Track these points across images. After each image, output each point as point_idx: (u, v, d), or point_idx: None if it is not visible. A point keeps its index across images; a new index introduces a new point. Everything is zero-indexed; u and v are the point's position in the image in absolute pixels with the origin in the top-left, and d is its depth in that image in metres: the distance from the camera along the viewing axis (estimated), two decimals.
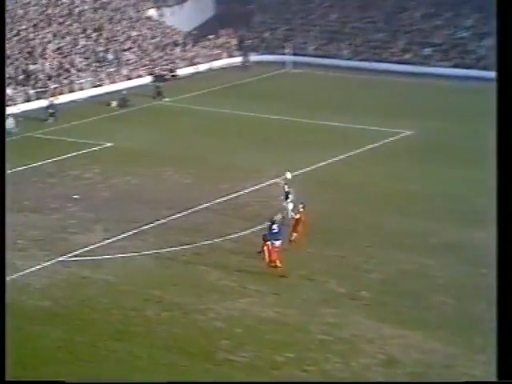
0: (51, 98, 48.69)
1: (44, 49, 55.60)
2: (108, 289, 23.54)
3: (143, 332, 20.88)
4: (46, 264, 25.25)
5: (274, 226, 25.28)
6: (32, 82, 51.49)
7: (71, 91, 52.73)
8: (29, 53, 54.39)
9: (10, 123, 43.77)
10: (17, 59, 53.08)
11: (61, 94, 51.41)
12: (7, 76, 50.75)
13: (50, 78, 52.67)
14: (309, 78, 57.99)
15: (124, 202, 31.55)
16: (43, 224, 29.04)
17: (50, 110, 46.46)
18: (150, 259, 25.81)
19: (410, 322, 21.36)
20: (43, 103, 48.45)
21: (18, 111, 47.13)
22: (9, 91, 49.41)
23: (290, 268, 24.91)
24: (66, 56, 55.94)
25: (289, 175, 28.73)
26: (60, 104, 48.41)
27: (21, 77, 51.54)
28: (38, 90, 50.88)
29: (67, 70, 54.32)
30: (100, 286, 23.75)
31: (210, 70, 61.83)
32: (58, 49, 56.47)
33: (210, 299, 22.70)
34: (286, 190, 28.24)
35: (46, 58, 54.65)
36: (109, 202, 31.68)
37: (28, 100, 49.87)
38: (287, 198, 28.08)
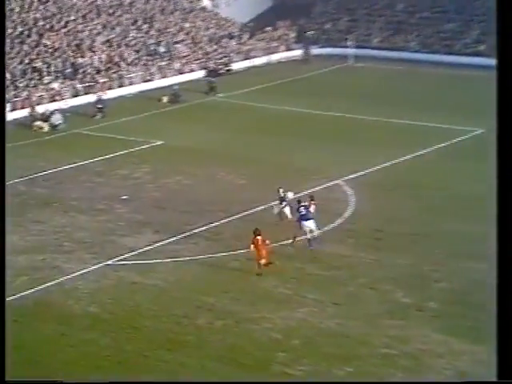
0: (99, 93, 49.46)
1: (93, 41, 56.53)
2: (158, 295, 23.79)
3: (195, 341, 21.02)
4: (93, 268, 25.64)
5: (302, 209, 26.27)
6: (80, 76, 52.40)
7: (120, 86, 53.52)
8: (77, 45, 55.37)
9: (57, 118, 44.71)
10: (64, 52, 54.08)
11: (110, 88, 52.22)
12: (55, 69, 51.84)
13: (98, 71, 53.54)
14: (373, 73, 57.65)
15: (175, 203, 31.82)
16: (90, 225, 29.49)
17: (99, 106, 47.22)
18: (203, 264, 25.99)
19: (482, 336, 21.00)
20: (91, 98, 49.27)
21: (65, 106, 48.08)
22: (56, 85, 50.44)
23: (352, 276, 24.84)
24: (115, 49, 56.78)
25: (290, 195, 28.66)
26: (109, 99, 49.15)
27: (68, 70, 52.48)
28: (86, 84, 51.77)
29: (116, 64, 55.13)
30: (150, 291, 24.01)
31: (267, 63, 61.97)
32: (108, 41, 57.35)
33: (266, 308, 22.74)
34: (282, 195, 28.66)
35: (94, 51, 55.56)
36: (159, 203, 32.00)
37: (76, 95, 50.78)
38: (281, 202, 28.65)
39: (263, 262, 24.69)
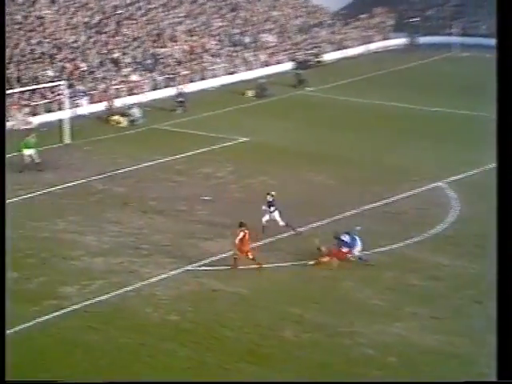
0: (180, 86, 50.15)
1: (174, 31, 57.34)
2: (240, 303, 23.88)
3: (279, 355, 20.99)
4: (172, 273, 25.92)
5: (345, 237, 25.93)
6: (160, 68, 53.22)
7: (202, 79, 54.15)
8: (157, 35, 56.27)
9: (135, 113, 45.49)
10: (144, 42, 55.02)
11: (191, 81, 52.88)
12: (134, 60, 52.80)
13: (179, 63, 54.27)
14: (480, 63, 56.51)
15: (259, 205, 31.79)
16: (169, 228, 29.84)
17: (179, 100, 47.84)
18: (289, 272, 25.97)
19: None
20: (172, 91, 49.96)
21: (144, 100, 48.91)
22: (135, 77, 51.35)
23: (454, 287, 24.46)
24: (198, 39, 57.42)
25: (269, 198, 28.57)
26: (190, 93, 49.78)
27: (148, 62, 53.37)
28: (167, 76, 52.52)
29: (199, 55, 55.75)
30: (232, 300, 24.13)
31: (362, 54, 61.68)
32: (190, 31, 58.09)
33: (358, 321, 22.56)
34: (271, 199, 28.70)
35: (175, 41, 56.33)
36: (243, 204, 32.12)
37: (155, 88, 51.60)
38: (270, 207, 28.69)
39: (250, 256, 25.53)
